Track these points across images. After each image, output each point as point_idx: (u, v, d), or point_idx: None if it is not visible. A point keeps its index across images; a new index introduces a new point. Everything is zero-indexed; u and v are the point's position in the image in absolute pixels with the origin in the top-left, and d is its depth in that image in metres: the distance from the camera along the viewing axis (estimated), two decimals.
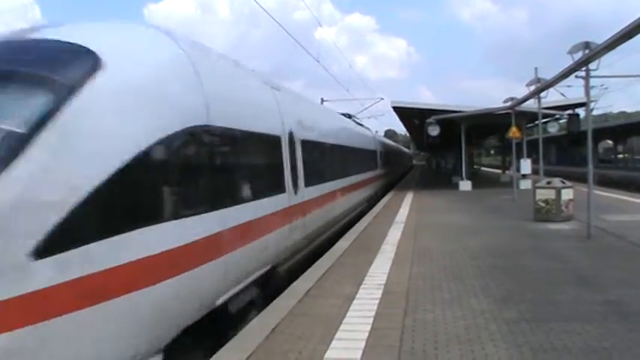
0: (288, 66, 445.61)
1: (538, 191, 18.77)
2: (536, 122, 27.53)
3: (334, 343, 6.81)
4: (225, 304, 7.89)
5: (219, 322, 7.88)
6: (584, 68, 14.96)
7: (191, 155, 7.15)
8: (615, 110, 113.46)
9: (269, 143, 10.73)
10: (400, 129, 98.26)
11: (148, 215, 6.07)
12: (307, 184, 13.12)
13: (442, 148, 69.12)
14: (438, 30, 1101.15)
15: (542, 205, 18.43)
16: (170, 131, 6.52)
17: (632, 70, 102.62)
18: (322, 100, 46.62)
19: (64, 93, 5.40)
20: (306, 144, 13.57)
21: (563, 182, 18.66)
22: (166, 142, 6.41)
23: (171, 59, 7.17)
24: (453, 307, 8.29)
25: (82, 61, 5.81)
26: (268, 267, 9.95)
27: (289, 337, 7.06)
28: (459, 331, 7.15)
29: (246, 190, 8.96)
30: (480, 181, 41.17)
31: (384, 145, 44.06)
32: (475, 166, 60.10)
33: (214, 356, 6.50)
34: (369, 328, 7.31)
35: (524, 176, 32.24)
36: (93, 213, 5.27)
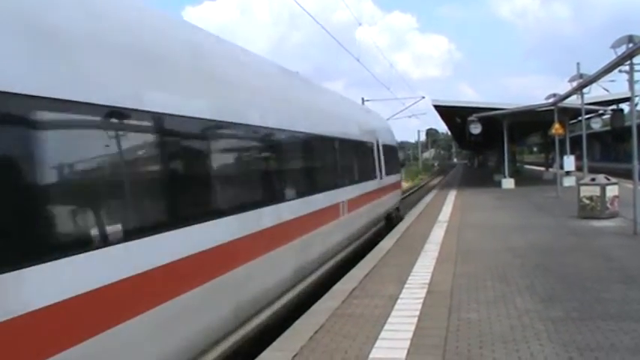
0: (330, 66, 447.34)
1: (582, 188, 18.52)
2: (580, 118, 27.20)
3: (379, 342, 6.87)
4: None
5: None
6: (627, 62, 14.76)
7: None
8: None
9: None
10: (442, 128, 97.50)
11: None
12: None
13: (484, 146, 68.54)
14: (478, 27, 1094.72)
15: (587, 202, 18.19)
16: None
17: None
18: (363, 100, 46.19)
19: None
20: None
21: (608, 179, 18.39)
22: None
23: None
24: (497, 306, 8.26)
25: None
26: None
27: (335, 337, 7.14)
28: (504, 330, 7.14)
29: None
30: (522, 178, 40.71)
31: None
32: (518, 164, 59.52)
33: (259, 357, 6.55)
34: (413, 327, 7.34)
35: (567, 173, 31.85)
36: None
